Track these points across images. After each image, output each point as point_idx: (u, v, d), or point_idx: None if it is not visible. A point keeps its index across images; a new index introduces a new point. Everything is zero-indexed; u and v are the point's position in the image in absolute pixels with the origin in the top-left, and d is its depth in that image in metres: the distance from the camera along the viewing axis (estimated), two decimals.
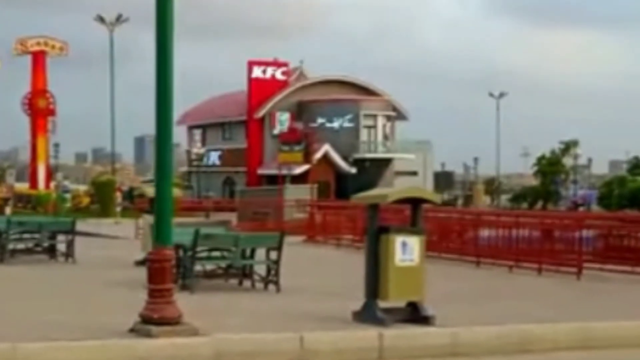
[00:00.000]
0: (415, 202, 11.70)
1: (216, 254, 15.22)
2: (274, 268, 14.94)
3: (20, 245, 20.30)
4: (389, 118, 70.97)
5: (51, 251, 20.35)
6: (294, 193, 42.93)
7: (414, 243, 11.36)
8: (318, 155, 64.93)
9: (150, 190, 22.40)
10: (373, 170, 67.05)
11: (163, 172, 10.02)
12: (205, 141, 77.05)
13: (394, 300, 11.35)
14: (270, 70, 71.94)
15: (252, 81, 71.11)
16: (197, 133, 77.91)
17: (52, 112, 67.89)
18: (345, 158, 65.84)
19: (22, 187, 71.68)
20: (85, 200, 63.20)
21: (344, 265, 20.21)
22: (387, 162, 69.97)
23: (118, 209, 49.36)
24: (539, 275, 19.14)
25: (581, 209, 56.20)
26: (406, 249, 11.28)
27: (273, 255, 15.17)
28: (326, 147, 65.66)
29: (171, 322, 9.75)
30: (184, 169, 79.77)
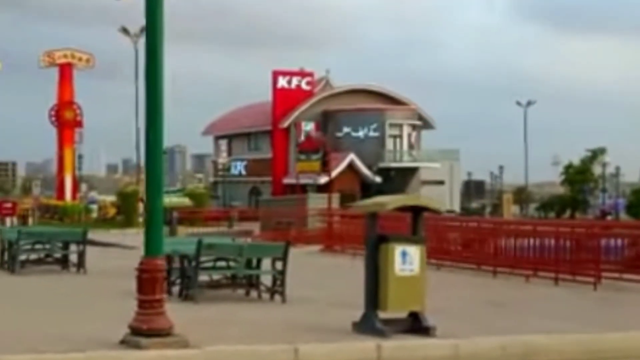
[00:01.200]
0: (416, 211, 11.43)
1: (222, 264, 14.99)
2: (279, 278, 14.70)
3: (33, 256, 20.27)
4: (414, 127, 70.60)
5: (63, 262, 20.26)
6: (316, 202, 42.70)
7: (415, 252, 11.09)
8: (343, 164, 64.72)
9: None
10: (398, 179, 66.67)
11: (153, 184, 9.83)
12: (231, 151, 77.20)
13: (393, 310, 11.08)
14: (295, 81, 71.87)
15: (277, 91, 71.08)
16: (223, 143, 78.06)
17: (79, 124, 68.22)
18: (370, 167, 65.51)
19: (49, 198, 72.14)
20: (112, 211, 63.36)
21: (358, 275, 19.69)
22: (412, 171, 69.57)
23: (140, 219, 49.35)
24: (556, 285, 18.77)
25: (609, 217, 55.52)
26: (406, 259, 11.02)
27: (279, 265, 14.89)
28: (351, 157, 65.40)
29: (161, 333, 9.54)
30: (211, 179, 79.86)
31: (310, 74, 73.35)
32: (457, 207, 71.19)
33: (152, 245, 9.73)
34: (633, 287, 18.02)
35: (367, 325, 11.05)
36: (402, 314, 11.33)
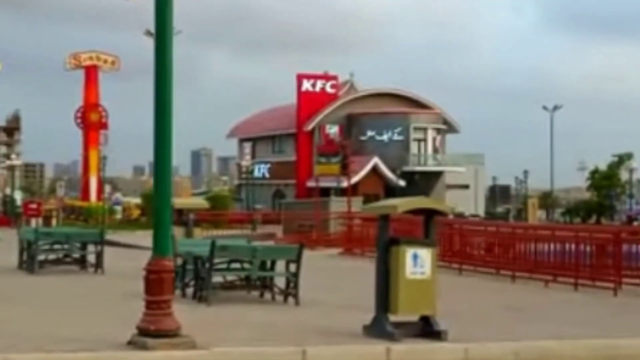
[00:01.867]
0: (428, 214, 11.32)
1: (236, 265, 14.94)
2: (293, 280, 14.62)
3: (52, 256, 20.33)
4: (439, 131, 70.32)
5: (81, 262, 20.30)
6: (338, 206, 42.62)
7: (426, 255, 10.97)
8: (367, 168, 64.60)
9: (176, 202, 22.32)
10: (423, 183, 66.42)
11: (161, 185, 9.77)
12: (255, 154, 77.19)
13: (403, 314, 10.96)
14: (319, 84, 71.79)
15: (301, 94, 71.02)
16: (247, 146, 78.05)
17: (104, 126, 68.58)
18: (393, 171, 65.31)
19: (75, 199, 72.53)
20: (136, 213, 63.60)
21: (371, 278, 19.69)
22: (437, 175, 69.30)
23: None
24: (575, 290, 18.58)
25: (636, 223, 55.01)
26: (417, 262, 10.90)
27: (293, 268, 14.80)
28: (375, 160, 65.25)
29: (169, 334, 9.49)
30: (236, 181, 79.90)
31: (335, 77, 73.25)
32: (481, 212, 70.92)
33: (159, 245, 9.69)
34: None
35: (377, 329, 10.95)
36: (414, 318, 11.20)
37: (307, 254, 28.54)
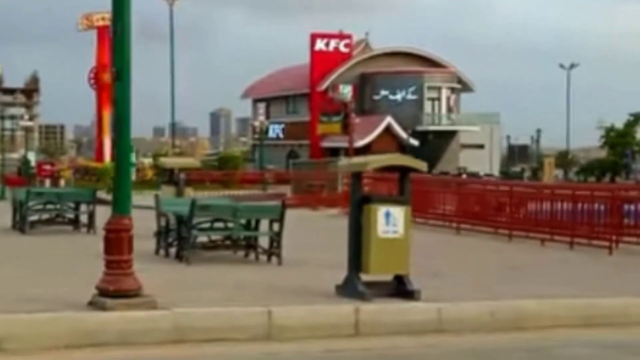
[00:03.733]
0: (403, 171, 11.04)
1: (219, 225, 14.72)
2: (276, 240, 14.40)
3: (46, 216, 20.21)
4: (453, 90, 69.74)
5: (75, 222, 20.16)
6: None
7: (399, 214, 10.69)
8: (380, 127, 64.21)
9: (166, 161, 22.17)
10: (436, 142, 66.02)
11: (121, 143, 9.53)
12: (270, 114, 76.87)
13: (375, 273, 10.71)
14: (333, 43, 71.22)
15: (314, 54, 70.50)
16: (262, 106, 77.76)
17: None
18: (406, 129, 64.89)
19: (88, 160, 72.57)
20: (150, 173, 63.49)
21: None
22: (451, 134, 68.81)
23: None
24: (571, 249, 18.32)
25: None
26: (390, 220, 10.63)
27: (276, 227, 14.57)
28: (388, 120, 64.80)
29: (128, 294, 9.29)
30: (250, 142, 79.73)
31: (349, 36, 72.64)
32: (496, 171, 70.41)
33: (119, 204, 9.49)
34: None
35: (349, 289, 10.72)
36: (387, 277, 10.96)
37: (308, 213, 28.72)
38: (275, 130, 76.65)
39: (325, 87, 69.86)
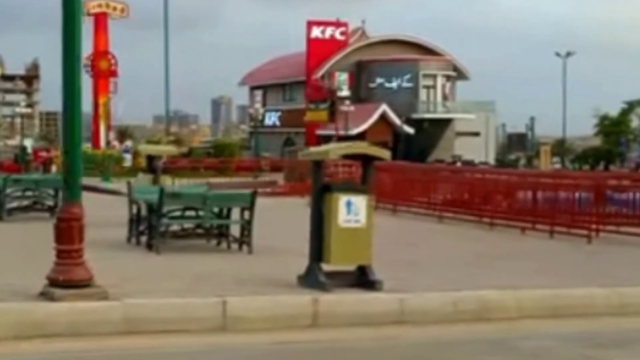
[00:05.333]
0: (366, 160, 10.86)
1: (191, 213, 14.54)
2: (247, 228, 14.23)
3: (26, 203, 20.05)
4: (449, 78, 69.49)
5: (53, 209, 19.96)
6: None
7: (361, 202, 10.51)
8: (375, 115, 63.98)
9: (144, 148, 21.97)
10: (432, 130, 65.81)
11: (71, 130, 9.32)
12: (266, 102, 76.63)
13: (336, 263, 10.53)
14: (329, 31, 70.96)
15: (310, 41, 70.26)
16: (258, 94, 77.45)
17: (113, 73, 68.36)
18: (401, 117, 64.67)
19: (84, 147, 72.38)
20: (143, 161, 63.29)
21: None
22: (446, 122, 68.58)
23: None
24: (551, 238, 18.16)
25: None
26: (351, 209, 10.45)
27: (247, 215, 14.39)
28: (383, 107, 64.56)
29: (79, 285, 9.11)
30: (248, 129, 79.60)
31: (345, 24, 72.37)
32: (491, 159, 70.14)
33: (70, 192, 9.30)
34: (632, 240, 17.40)
35: (310, 279, 10.56)
36: (351, 268, 10.78)
37: (296, 200, 28.44)
38: (271, 118, 76.48)
39: (321, 75, 69.63)
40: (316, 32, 70.57)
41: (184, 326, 9.19)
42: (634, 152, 69.48)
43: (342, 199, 10.40)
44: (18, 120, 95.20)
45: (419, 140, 64.07)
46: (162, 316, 9.19)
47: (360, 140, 56.50)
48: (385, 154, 10.83)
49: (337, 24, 71.95)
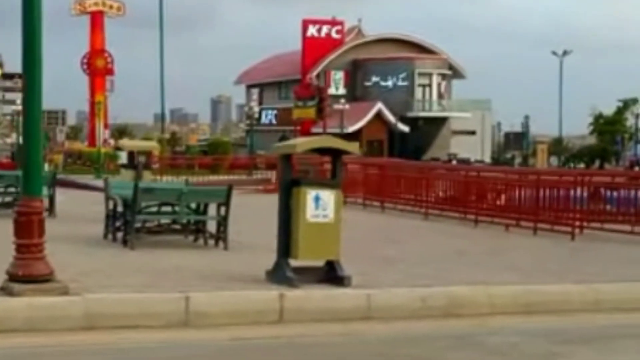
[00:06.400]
0: (335, 154, 10.73)
1: (167, 209, 14.42)
2: (223, 224, 14.10)
3: (8, 199, 19.90)
4: (444, 76, 69.43)
5: None
6: None
7: (329, 197, 10.38)
8: (371, 113, 63.95)
9: (125, 144, 21.84)
10: (427, 129, 65.72)
11: (31, 125, 9.19)
12: (263, 100, 76.55)
13: (304, 259, 10.41)
14: (325, 29, 70.90)
15: (306, 40, 70.18)
16: (255, 92, 77.39)
17: (110, 72, 68.27)
18: (396, 115, 64.61)
19: (80, 144, 72.36)
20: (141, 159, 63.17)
21: None
22: (442, 120, 68.51)
23: (156, 166, 49.11)
24: (534, 235, 18.04)
25: (637, 168, 54.08)
26: (319, 204, 10.32)
27: (223, 210, 14.26)
28: (379, 106, 64.52)
29: (38, 279, 8.98)
30: (245, 127, 79.49)
31: (341, 23, 72.30)
32: (487, 158, 70.08)
33: (29, 186, 9.17)
34: (615, 237, 17.31)
35: (278, 274, 10.44)
36: (319, 263, 10.66)
37: None
38: (268, 116, 76.41)
39: (316, 74, 69.57)
40: (312, 30, 70.54)
41: (145, 322, 9.06)
42: (630, 150, 69.36)
43: (310, 194, 10.28)
44: (16, 117, 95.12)
45: (415, 139, 64.01)
46: (123, 311, 9.06)
47: (356, 139, 56.69)
48: (354, 148, 10.71)
49: (333, 23, 71.88)
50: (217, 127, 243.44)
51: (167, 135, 68.53)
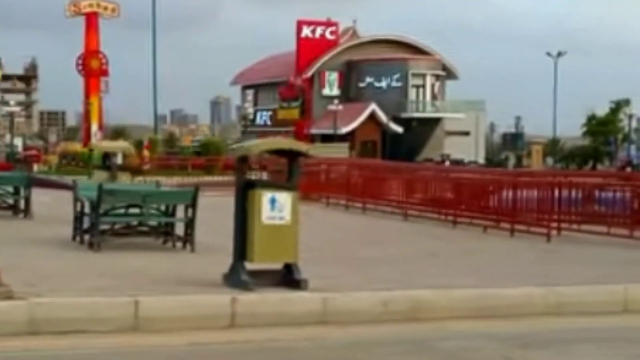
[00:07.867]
0: (291, 156, 10.57)
1: (135, 211, 14.25)
2: (190, 226, 13.95)
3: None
4: (438, 77, 69.31)
5: (14, 207, 19.71)
6: (324, 151, 42.07)
7: (286, 199, 10.22)
8: (364, 114, 63.86)
9: (98, 145, 21.70)
10: (421, 129, 65.59)
11: None
12: (258, 101, 76.43)
13: (260, 261, 10.24)
14: (319, 30, 70.79)
15: (301, 41, 70.06)
16: (250, 93, 77.40)
17: (104, 73, 68.24)
18: (389, 116, 64.50)
19: (75, 145, 72.24)
20: (136, 161, 63.09)
21: (316, 224, 18.80)
22: (436, 121, 68.36)
23: (146, 166, 49.31)
24: (511, 236, 17.89)
25: (629, 169, 53.93)
26: (275, 206, 10.16)
27: (190, 213, 14.10)
28: (372, 107, 64.42)
29: None
30: (241, 128, 79.40)
31: (335, 24, 72.20)
32: (481, 159, 69.93)
33: None
34: (591, 239, 17.19)
35: (233, 278, 10.27)
36: (277, 266, 10.50)
37: None
38: (262, 117, 76.24)
39: (311, 74, 69.45)
40: (306, 31, 70.44)
41: (93, 326, 8.91)
42: (623, 151, 69.20)
43: (266, 196, 10.13)
44: (16, 119, 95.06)
45: (409, 140, 63.87)
46: (70, 316, 8.90)
47: (350, 140, 56.44)
48: (309, 149, 10.56)
49: (327, 24, 71.79)
50: (216, 129, 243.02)
51: (159, 136, 68.28)
